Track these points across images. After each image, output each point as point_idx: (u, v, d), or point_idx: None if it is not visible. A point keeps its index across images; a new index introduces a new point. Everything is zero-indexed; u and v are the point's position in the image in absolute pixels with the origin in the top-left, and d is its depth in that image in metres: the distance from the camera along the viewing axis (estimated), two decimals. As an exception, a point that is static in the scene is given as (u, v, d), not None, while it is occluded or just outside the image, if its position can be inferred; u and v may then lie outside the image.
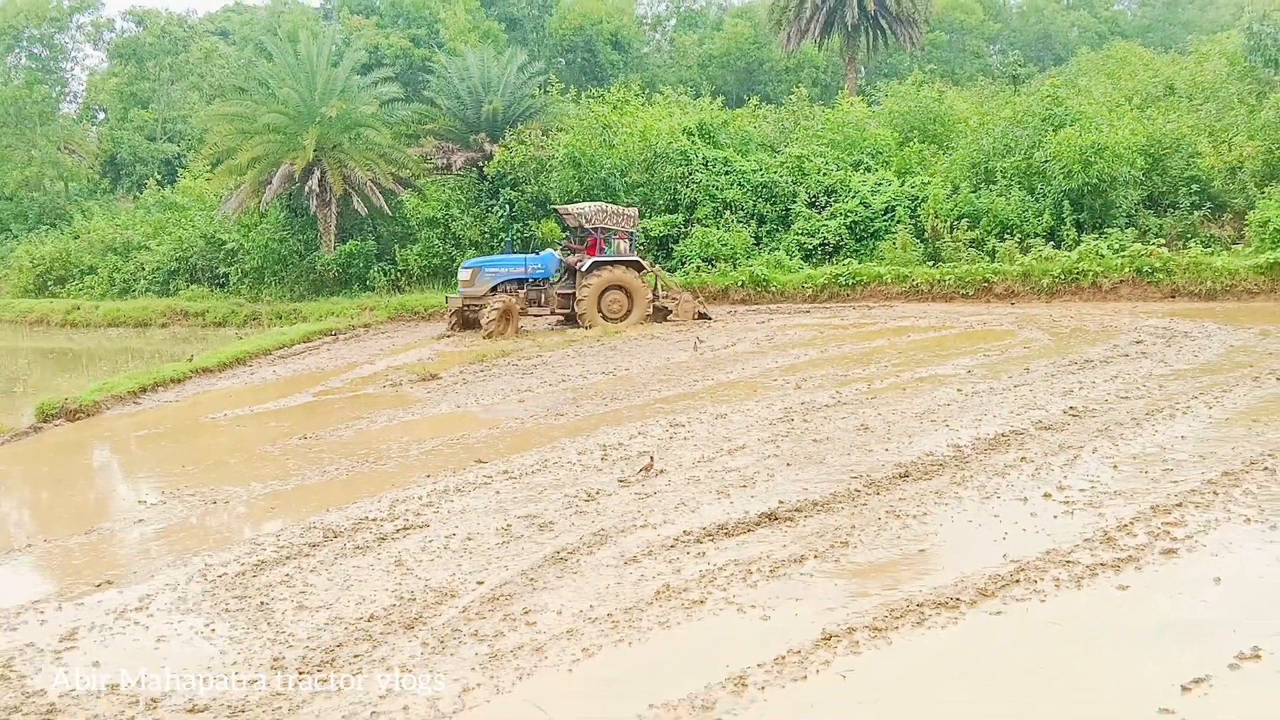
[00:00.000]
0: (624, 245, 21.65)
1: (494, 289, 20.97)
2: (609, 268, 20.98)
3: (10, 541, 8.58)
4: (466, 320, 21.42)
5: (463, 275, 21.43)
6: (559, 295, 21.25)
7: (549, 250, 22.61)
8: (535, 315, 21.51)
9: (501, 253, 24.58)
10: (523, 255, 22.51)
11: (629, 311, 20.99)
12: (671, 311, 21.68)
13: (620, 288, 21.01)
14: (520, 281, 21.26)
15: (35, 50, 45.58)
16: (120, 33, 47.35)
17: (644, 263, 22.02)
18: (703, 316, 21.81)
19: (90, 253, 35.92)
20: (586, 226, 21.45)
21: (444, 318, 22.64)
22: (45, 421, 13.62)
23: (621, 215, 21.92)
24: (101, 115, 50.46)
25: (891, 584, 6.48)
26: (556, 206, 24.63)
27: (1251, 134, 24.80)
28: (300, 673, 5.56)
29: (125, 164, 46.20)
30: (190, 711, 5.21)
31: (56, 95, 46.87)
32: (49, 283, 36.21)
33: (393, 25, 47.78)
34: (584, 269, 20.89)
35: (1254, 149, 24.29)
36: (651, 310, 21.43)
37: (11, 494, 11.00)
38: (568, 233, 23.54)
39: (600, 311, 20.78)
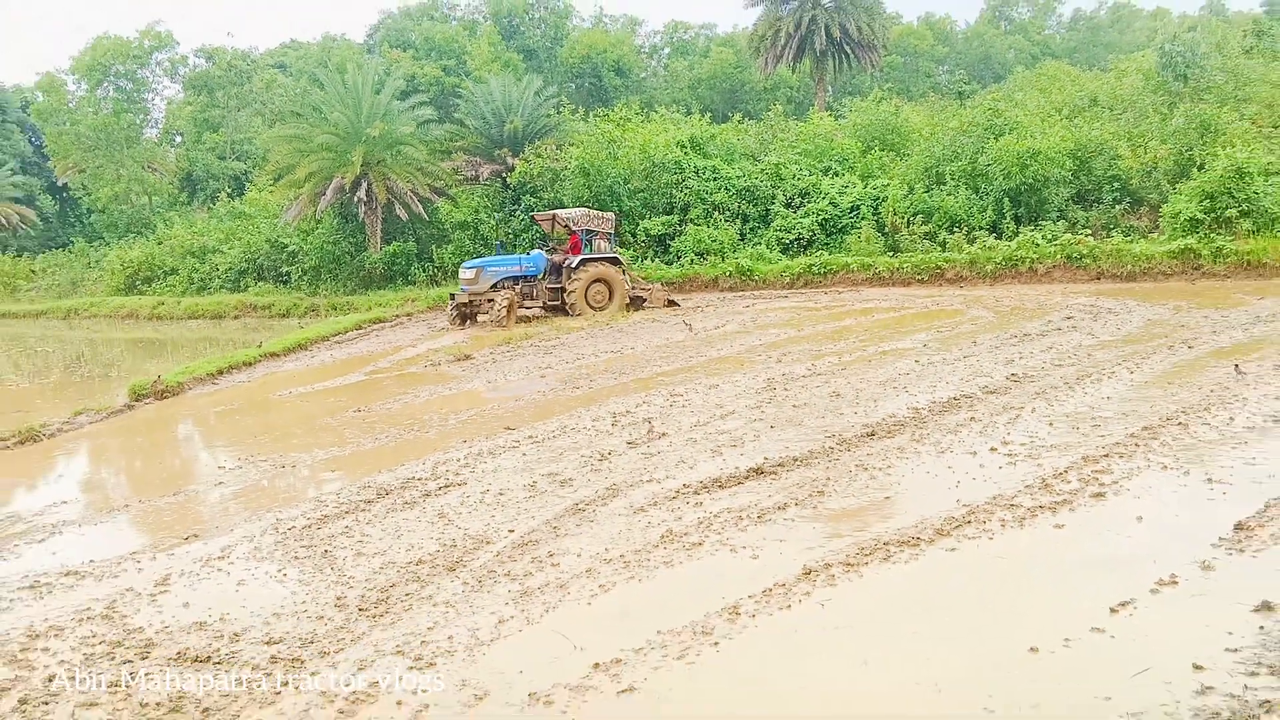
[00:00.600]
0: (604, 244, 21.59)
1: (494, 286, 20.87)
2: (594, 264, 20.94)
3: (110, 502, 8.63)
4: (464, 315, 21.25)
5: (466, 274, 21.13)
6: (548, 289, 21.15)
7: (537, 251, 22.41)
8: (528, 307, 21.38)
9: (495, 254, 24.47)
10: (517, 255, 22.28)
11: (610, 301, 20.95)
12: (646, 300, 21.63)
13: (603, 281, 20.97)
14: (515, 279, 21.15)
15: (121, 84, 45.30)
16: (193, 68, 47.09)
17: (621, 259, 21.97)
18: (671, 303, 21.80)
19: (172, 256, 35.90)
20: (574, 228, 21.39)
21: (446, 313, 21.97)
22: (137, 400, 13.63)
23: (602, 218, 21.86)
24: (179, 138, 50.24)
25: (861, 526, 6.49)
26: (534, 214, 24.44)
27: (1164, 139, 24.70)
28: (360, 609, 5.59)
29: (200, 180, 46.08)
30: (267, 644, 5.23)
31: (140, 122, 46.62)
32: (137, 282, 36.18)
33: (426, 57, 47.45)
34: (573, 266, 20.81)
35: (1166, 151, 24.21)
36: (629, 299, 21.37)
37: (110, 462, 11.04)
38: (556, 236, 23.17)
39: (586, 301, 20.73)
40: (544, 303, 21.16)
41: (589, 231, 21.43)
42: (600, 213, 22.39)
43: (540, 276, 21.33)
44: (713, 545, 6.26)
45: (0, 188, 47.31)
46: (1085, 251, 21.48)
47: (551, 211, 23.00)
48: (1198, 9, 51.62)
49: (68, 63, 45.73)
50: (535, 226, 28.77)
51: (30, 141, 53.15)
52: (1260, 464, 7.22)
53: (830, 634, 5.03)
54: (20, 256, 44.98)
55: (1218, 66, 27.14)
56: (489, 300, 20.55)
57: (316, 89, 32.31)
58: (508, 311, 20.25)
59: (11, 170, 48.38)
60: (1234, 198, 21.02)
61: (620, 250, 26.59)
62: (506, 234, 29.35)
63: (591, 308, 20.66)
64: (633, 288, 21.72)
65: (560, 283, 20.98)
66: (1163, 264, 20.68)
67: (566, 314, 20.61)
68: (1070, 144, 24.74)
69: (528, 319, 20.87)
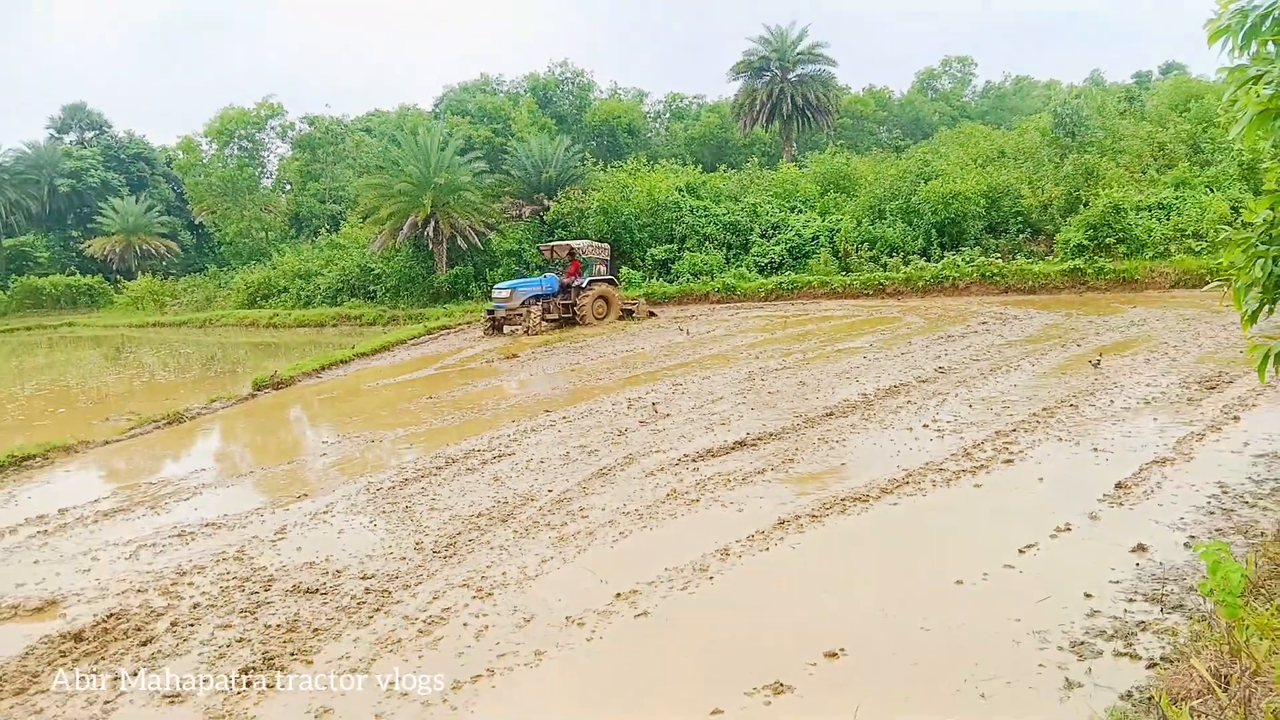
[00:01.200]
0: (602, 268, 21.51)
1: (522, 302, 20.76)
2: (598, 284, 20.91)
3: (238, 469, 8.68)
4: (495, 326, 20.97)
5: (501, 294, 20.88)
6: (559, 305, 20.98)
7: (550, 274, 22.15)
8: (545, 319, 21.21)
9: (517, 277, 24.37)
10: (538, 278, 21.80)
11: (608, 312, 20.90)
12: (634, 312, 21.46)
13: (603, 297, 20.96)
14: (536, 296, 20.99)
15: (243, 144, 45.27)
16: (299, 131, 46.96)
17: (616, 280, 21.89)
18: (651, 314, 21.62)
19: (284, 278, 35.88)
20: (581, 256, 21.29)
21: (483, 324, 21.43)
22: (258, 390, 13.68)
23: (599, 248, 21.78)
24: (288, 187, 50.19)
25: (823, 486, 6.49)
26: (541, 246, 24.26)
27: (1057, 182, 24.53)
28: (434, 552, 5.61)
29: (305, 219, 46.06)
30: (362, 579, 5.26)
31: (258, 174, 46.59)
32: (257, 298, 36.21)
33: (480, 122, 47.30)
34: (584, 285, 20.79)
35: (1058, 192, 24.06)
36: (621, 311, 21.27)
37: (238, 439, 11.09)
38: (550, 263, 22.89)
39: (591, 313, 20.67)
40: (558, 315, 21.09)
41: (591, 258, 21.45)
42: (599, 243, 22.35)
43: (554, 294, 21.28)
44: (707, 501, 6.27)
45: (152, 225, 47.55)
46: (996, 271, 21.40)
47: (552, 243, 22.92)
48: (1082, 80, 51.19)
49: (201, 128, 45.64)
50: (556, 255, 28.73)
51: (173, 190, 53.38)
52: (1134, 436, 7.20)
53: (800, 570, 5.03)
54: (167, 279, 45.15)
55: (1098, 125, 26.95)
56: (518, 314, 20.52)
57: (395, 147, 32.24)
58: (539, 321, 20.28)
59: (159, 212, 48.60)
60: (1112, 228, 20.95)
61: (632, 272, 26.64)
62: (544, 259, 29.29)
63: (595, 318, 20.69)
64: (623, 302, 21.74)
65: (569, 299, 20.91)
66: (1056, 280, 20.59)
67: (573, 324, 20.54)
68: (983, 187, 24.60)
69: (542, 330, 20.76)
